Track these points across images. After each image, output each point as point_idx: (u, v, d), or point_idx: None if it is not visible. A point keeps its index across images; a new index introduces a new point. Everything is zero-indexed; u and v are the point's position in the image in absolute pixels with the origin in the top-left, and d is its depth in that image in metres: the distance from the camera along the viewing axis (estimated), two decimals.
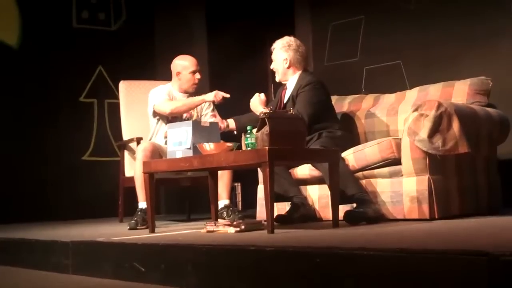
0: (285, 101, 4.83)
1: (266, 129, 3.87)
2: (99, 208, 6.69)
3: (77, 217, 6.57)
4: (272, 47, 4.89)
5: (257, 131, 3.95)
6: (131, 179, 5.66)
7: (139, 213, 4.93)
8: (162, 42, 7.54)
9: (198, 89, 5.37)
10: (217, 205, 4.65)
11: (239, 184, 6.43)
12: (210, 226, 4.05)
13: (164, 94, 5.26)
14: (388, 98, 5.21)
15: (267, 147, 3.72)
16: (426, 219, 4.17)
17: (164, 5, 7.53)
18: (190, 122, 4.27)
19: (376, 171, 4.43)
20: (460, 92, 4.77)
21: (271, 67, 4.93)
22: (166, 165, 4.36)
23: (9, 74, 6.77)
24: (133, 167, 5.67)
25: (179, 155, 4.24)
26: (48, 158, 6.87)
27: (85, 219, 6.49)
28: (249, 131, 4.11)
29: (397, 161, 4.35)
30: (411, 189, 4.25)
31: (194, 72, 5.30)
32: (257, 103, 4.70)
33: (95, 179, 6.98)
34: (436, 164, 4.25)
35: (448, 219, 4.16)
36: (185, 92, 5.33)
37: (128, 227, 4.82)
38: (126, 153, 5.83)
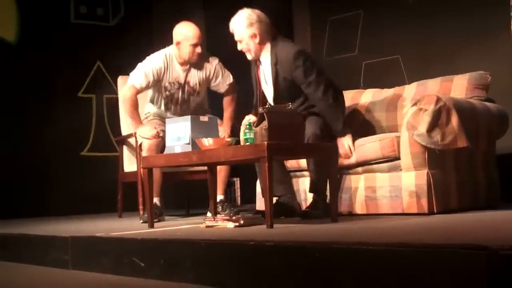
0: (266, 79, 4.58)
1: (264, 124, 3.87)
2: (98, 203, 6.69)
3: (76, 212, 6.57)
4: (231, 29, 4.56)
5: (255, 126, 3.95)
6: (130, 174, 5.67)
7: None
8: (160, 37, 7.51)
9: (199, 62, 5.12)
10: (216, 200, 4.66)
11: (238, 179, 6.43)
12: (209, 221, 4.05)
13: (144, 81, 5.10)
14: (387, 93, 5.21)
15: (266, 142, 3.72)
16: (425, 214, 4.17)
17: (162, 1, 7.52)
18: (189, 117, 4.27)
19: (375, 165, 4.43)
20: (459, 86, 4.77)
21: (239, 48, 4.57)
22: (165, 160, 4.36)
23: (7, 69, 6.76)
24: (132, 162, 5.68)
25: (177, 150, 4.24)
26: (46, 154, 6.87)
27: (84, 214, 6.49)
28: (248, 126, 4.11)
29: (396, 157, 4.35)
30: (410, 184, 4.25)
31: (195, 45, 5.01)
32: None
33: (94, 174, 6.98)
34: (435, 159, 4.25)
35: (447, 213, 4.17)
36: (184, 62, 5.09)
37: (141, 221, 4.82)
38: (125, 148, 5.83)
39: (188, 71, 5.14)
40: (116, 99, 6.08)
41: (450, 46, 5.61)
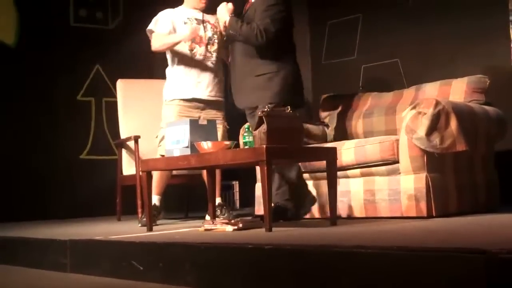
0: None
1: (263, 127, 3.87)
2: (97, 206, 6.69)
3: (75, 215, 6.57)
4: None
5: (254, 130, 3.95)
6: (129, 177, 5.67)
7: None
8: None
9: (209, 6, 5.12)
10: (214, 203, 4.66)
11: (237, 182, 6.43)
12: (208, 225, 4.05)
13: (162, 26, 5.07)
14: (386, 97, 5.22)
15: (264, 146, 3.72)
16: (424, 217, 4.17)
17: (161, 4, 7.52)
18: (188, 120, 4.27)
19: (373, 168, 4.44)
20: (458, 90, 4.78)
21: None
22: (164, 163, 4.36)
23: (6, 72, 6.75)
24: (131, 166, 5.68)
25: (176, 153, 4.24)
26: (45, 157, 6.86)
27: (83, 217, 6.48)
28: (246, 129, 4.10)
29: (395, 161, 4.35)
30: (409, 187, 4.25)
31: None
32: (224, 12, 4.62)
33: (92, 177, 6.98)
34: (434, 162, 4.26)
35: (446, 217, 4.16)
36: (195, 8, 5.11)
37: (140, 225, 4.82)
38: (123, 151, 5.83)
39: (203, 13, 5.14)
40: (115, 103, 6.08)
41: (449, 49, 5.62)
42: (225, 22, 4.62)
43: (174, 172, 5.12)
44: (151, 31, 5.10)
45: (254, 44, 4.50)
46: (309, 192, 4.66)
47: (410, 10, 5.85)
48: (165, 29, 5.06)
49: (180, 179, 5.46)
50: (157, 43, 5.06)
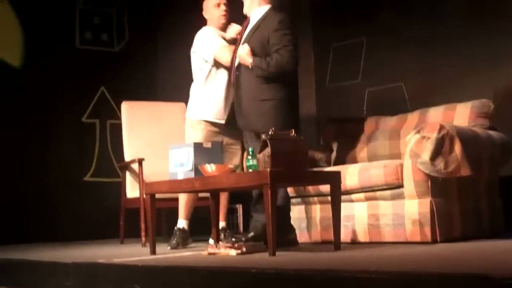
0: (245, 33, 4.71)
1: (267, 150, 3.87)
2: (100, 229, 6.68)
3: (79, 238, 6.56)
4: None
5: (258, 153, 3.95)
6: (133, 200, 5.67)
7: (177, 232, 4.92)
8: (164, 63, 7.57)
9: (228, 21, 5.15)
10: (218, 227, 4.65)
11: (241, 205, 6.42)
12: (211, 248, 4.03)
13: (219, 38, 5.03)
14: (390, 121, 5.22)
15: (268, 169, 3.72)
16: (428, 242, 4.16)
17: (167, 27, 7.56)
18: (192, 143, 4.28)
19: (378, 193, 4.43)
20: (462, 114, 4.78)
21: (244, 11, 4.79)
22: (167, 186, 4.35)
23: (11, 94, 6.78)
24: (135, 188, 5.67)
25: (180, 176, 4.24)
26: (49, 179, 6.87)
27: (86, 240, 6.47)
28: (251, 153, 4.11)
29: (400, 185, 4.34)
30: (413, 212, 4.24)
31: (218, 5, 5.12)
32: (245, 55, 4.57)
33: (96, 200, 6.97)
34: (438, 187, 4.25)
35: (450, 242, 4.15)
36: (220, 27, 5.13)
37: (169, 247, 4.81)
38: (127, 174, 5.83)
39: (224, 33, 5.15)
40: (120, 125, 6.09)
41: (453, 74, 5.62)
42: (251, 64, 4.58)
43: (200, 194, 5.09)
44: (215, 47, 4.97)
45: (285, 74, 4.50)
46: (290, 228, 4.60)
47: (414, 34, 5.87)
48: (222, 42, 5.03)
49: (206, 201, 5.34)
50: (227, 55, 4.92)
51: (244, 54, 4.53)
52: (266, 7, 4.69)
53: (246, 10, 4.76)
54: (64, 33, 7.24)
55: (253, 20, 4.70)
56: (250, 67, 4.50)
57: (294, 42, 4.51)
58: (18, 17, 6.94)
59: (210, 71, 5.03)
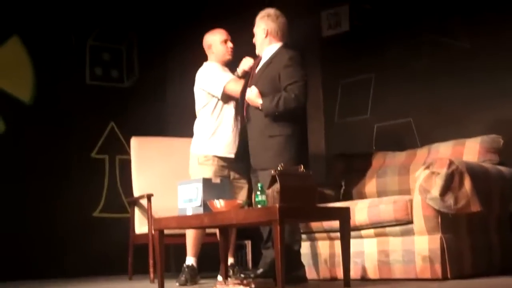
0: (256, 70, 4.75)
1: (276, 186, 3.86)
2: (109, 265, 6.65)
3: (87, 274, 6.53)
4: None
5: (267, 188, 3.94)
6: (141, 236, 5.65)
7: (186, 269, 4.88)
8: (173, 99, 7.60)
9: (234, 58, 5.18)
10: (227, 263, 4.62)
11: (249, 241, 6.39)
12: (220, 285, 4.01)
13: (226, 72, 5.05)
14: (399, 156, 5.21)
15: (277, 205, 3.70)
16: (439, 279, 4.12)
17: (176, 63, 7.62)
18: (201, 179, 4.27)
19: (387, 229, 4.40)
20: (471, 150, 4.77)
21: (253, 41, 4.85)
22: (176, 222, 4.34)
23: (22, 129, 6.82)
24: (143, 224, 5.66)
25: (189, 212, 4.23)
26: (59, 214, 6.86)
27: (95, 275, 6.45)
28: (260, 188, 4.09)
29: (409, 221, 4.32)
30: (423, 248, 4.21)
31: (225, 41, 5.14)
32: (255, 97, 4.58)
33: (105, 235, 6.95)
34: (448, 223, 4.22)
35: (461, 278, 4.11)
36: (224, 62, 5.15)
37: (177, 284, 4.78)
38: (136, 209, 5.82)
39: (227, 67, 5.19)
40: (129, 160, 6.10)
41: (461, 109, 5.62)
42: (260, 106, 4.60)
43: (208, 230, 5.06)
44: (224, 81, 4.99)
45: (293, 110, 4.52)
46: (299, 264, 4.57)
47: (422, 70, 5.88)
48: (230, 75, 5.06)
49: (214, 238, 5.27)
50: (238, 87, 4.94)
51: (253, 96, 4.56)
52: (278, 45, 4.74)
53: (258, 51, 4.83)
54: (75, 69, 7.29)
55: (265, 57, 4.76)
56: (260, 108, 4.53)
57: (304, 78, 4.54)
58: (29, 52, 7.00)
59: (216, 106, 5.04)
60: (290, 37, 4.98)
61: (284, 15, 4.83)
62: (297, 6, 6.45)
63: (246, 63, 5.04)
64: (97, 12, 7.35)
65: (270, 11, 4.81)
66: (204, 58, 5.29)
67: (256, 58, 4.89)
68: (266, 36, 4.75)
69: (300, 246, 4.56)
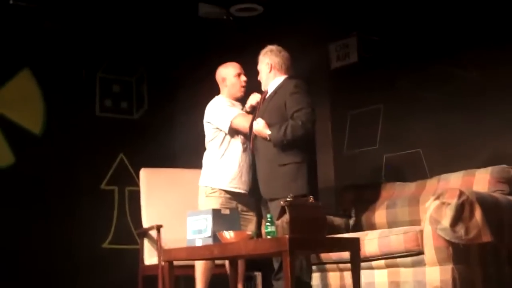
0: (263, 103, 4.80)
1: (286, 217, 3.86)
2: None
3: None
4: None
5: (277, 219, 3.94)
6: (151, 267, 5.64)
7: None
8: (182, 130, 7.62)
9: (247, 93, 5.22)
10: None
11: (260, 273, 6.36)
12: None
13: (233, 108, 5.09)
14: (409, 187, 5.20)
15: (287, 236, 3.70)
16: None
17: (185, 95, 7.66)
18: (210, 210, 4.27)
19: (398, 260, 4.38)
20: (482, 180, 4.76)
21: (258, 78, 4.94)
22: (186, 253, 4.34)
23: (31, 161, 6.84)
24: (153, 255, 5.65)
25: (198, 243, 4.22)
26: (68, 245, 6.85)
27: None
28: (269, 219, 4.09)
29: (420, 252, 4.30)
30: (435, 279, 4.18)
31: (239, 75, 5.17)
32: (262, 128, 4.63)
33: (115, 267, 6.93)
34: (460, 254, 4.19)
35: None
36: (236, 98, 5.20)
37: None
38: (145, 241, 5.82)
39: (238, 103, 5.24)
40: (138, 191, 6.11)
41: (471, 139, 5.62)
42: (268, 136, 4.62)
43: (216, 262, 5.06)
44: (231, 115, 5.03)
45: (303, 137, 4.53)
46: None
47: (431, 100, 5.89)
48: (238, 110, 5.09)
49: (222, 269, 5.27)
50: (245, 122, 4.99)
51: (261, 127, 4.59)
52: (283, 77, 4.82)
53: (264, 86, 4.91)
54: (85, 101, 7.33)
55: (271, 89, 4.80)
56: (268, 139, 4.55)
57: (310, 104, 4.58)
58: (39, 84, 7.04)
59: (223, 140, 5.09)
60: (299, 69, 5.04)
61: (291, 48, 4.89)
62: (305, 38, 6.51)
63: (254, 98, 5.09)
64: (107, 45, 7.41)
65: (272, 47, 4.92)
66: (214, 90, 5.33)
67: (263, 93, 4.94)
68: (270, 70, 4.84)
69: (311, 278, 4.55)
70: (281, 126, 4.52)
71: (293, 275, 3.62)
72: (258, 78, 4.95)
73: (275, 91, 4.75)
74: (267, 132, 4.56)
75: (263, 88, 4.92)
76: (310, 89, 4.76)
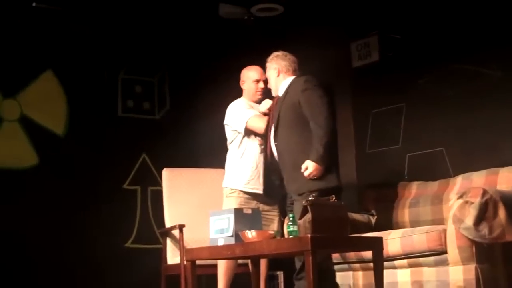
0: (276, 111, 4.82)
1: (308, 216, 3.85)
2: None
3: None
4: None
5: (299, 219, 3.93)
6: (173, 266, 5.66)
7: None
8: (204, 130, 7.64)
9: (262, 99, 5.24)
10: None
11: (282, 272, 6.35)
12: None
13: (250, 109, 5.15)
14: (432, 186, 5.17)
15: (309, 235, 3.69)
16: None
17: (207, 95, 7.67)
18: (233, 209, 4.28)
19: (421, 259, 4.36)
20: (505, 179, 4.72)
21: (268, 86, 5.01)
22: (208, 253, 4.34)
23: (54, 161, 6.88)
24: (176, 255, 5.67)
25: (221, 242, 4.23)
26: (91, 245, 6.88)
27: None
28: (291, 218, 4.09)
29: (443, 251, 4.27)
30: (458, 279, 4.15)
31: (257, 81, 5.21)
32: (311, 169, 4.55)
33: (137, 266, 6.95)
34: (483, 252, 4.17)
35: None
36: (254, 101, 5.25)
37: None
38: (168, 240, 5.83)
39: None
40: (160, 191, 6.14)
41: (494, 138, 5.58)
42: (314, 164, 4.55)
43: (239, 261, 5.08)
44: (246, 117, 5.08)
45: (330, 141, 4.56)
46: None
47: (453, 98, 5.86)
48: (254, 112, 5.15)
49: (246, 268, 5.20)
50: (260, 124, 5.04)
51: (311, 169, 4.50)
52: (291, 78, 4.84)
53: (274, 92, 4.99)
54: (107, 102, 7.37)
55: (281, 91, 4.88)
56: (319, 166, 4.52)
57: (322, 96, 4.59)
58: (62, 86, 7.10)
59: (241, 141, 5.17)
60: (321, 69, 5.04)
61: (312, 47, 4.92)
62: (326, 38, 6.50)
63: (265, 105, 5.12)
64: (128, 46, 7.44)
65: (278, 52, 4.97)
66: (235, 89, 5.38)
67: (274, 98, 4.97)
68: (278, 74, 4.90)
69: (334, 277, 4.54)
70: (311, 148, 4.50)
71: (316, 275, 3.62)
72: (268, 86, 5.01)
73: (286, 91, 4.79)
74: (312, 164, 4.50)
75: (273, 94, 4.98)
76: (320, 82, 4.78)
